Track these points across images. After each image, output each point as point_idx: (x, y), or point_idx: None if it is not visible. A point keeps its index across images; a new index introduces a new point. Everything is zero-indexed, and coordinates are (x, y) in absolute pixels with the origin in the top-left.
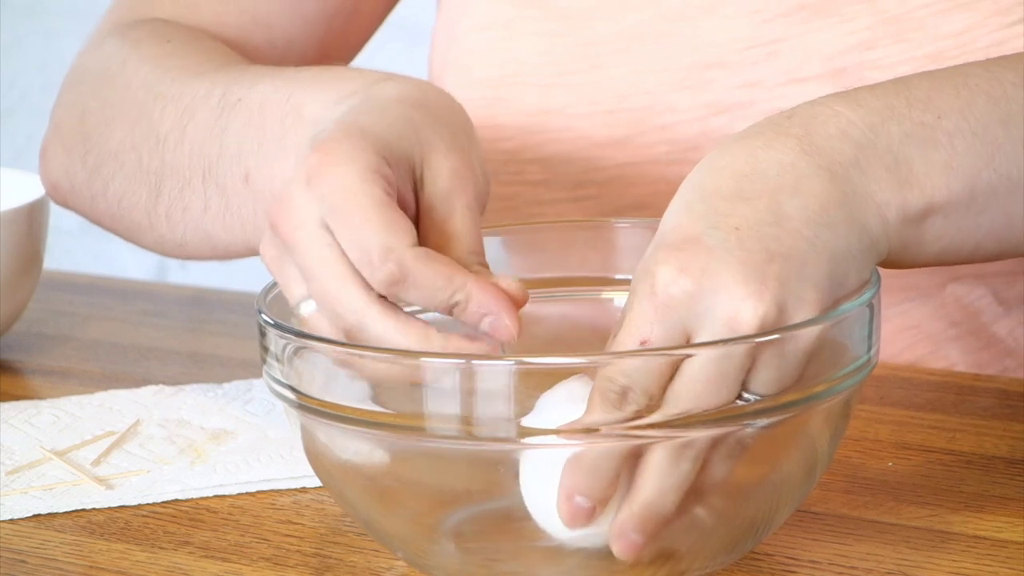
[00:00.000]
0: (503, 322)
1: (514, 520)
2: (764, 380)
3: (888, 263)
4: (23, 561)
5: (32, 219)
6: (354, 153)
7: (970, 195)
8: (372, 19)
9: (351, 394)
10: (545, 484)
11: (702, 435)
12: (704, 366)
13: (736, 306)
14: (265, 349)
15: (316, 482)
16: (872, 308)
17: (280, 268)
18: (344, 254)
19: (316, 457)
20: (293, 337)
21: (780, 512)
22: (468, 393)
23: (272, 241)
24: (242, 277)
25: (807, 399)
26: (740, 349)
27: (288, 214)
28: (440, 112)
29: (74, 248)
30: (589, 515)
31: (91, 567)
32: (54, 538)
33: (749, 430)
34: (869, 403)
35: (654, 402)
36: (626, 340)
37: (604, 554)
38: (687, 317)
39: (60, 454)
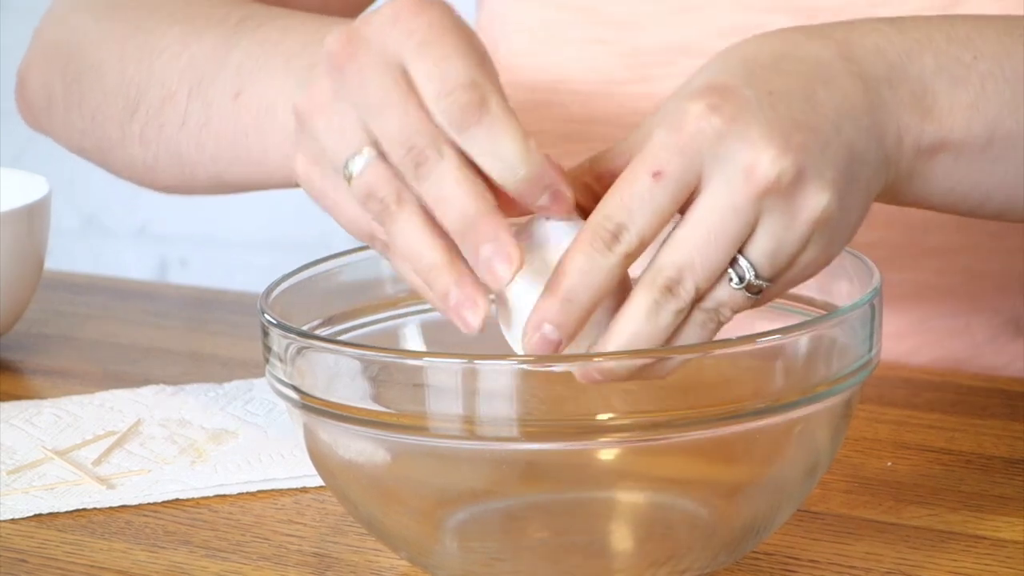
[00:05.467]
0: (564, 195)
1: (516, 519)
2: (762, 248)
3: (891, 192)
4: (24, 561)
5: (32, 219)
6: (450, 6)
7: (988, 139)
8: None
9: (354, 394)
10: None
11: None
12: (706, 216)
13: (757, 156)
14: (268, 349)
15: (317, 481)
16: (873, 308)
17: (330, 115)
18: (418, 90)
19: (318, 457)
20: (296, 337)
21: (781, 512)
22: (470, 393)
23: (322, 85)
24: (242, 277)
25: (808, 399)
26: (746, 203)
27: (361, 49)
28: None
29: (74, 248)
30: (554, 348)
31: (92, 567)
32: (55, 538)
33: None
34: (869, 403)
35: (644, 246)
36: (639, 168)
37: (603, 553)
38: (708, 156)
39: (61, 454)
